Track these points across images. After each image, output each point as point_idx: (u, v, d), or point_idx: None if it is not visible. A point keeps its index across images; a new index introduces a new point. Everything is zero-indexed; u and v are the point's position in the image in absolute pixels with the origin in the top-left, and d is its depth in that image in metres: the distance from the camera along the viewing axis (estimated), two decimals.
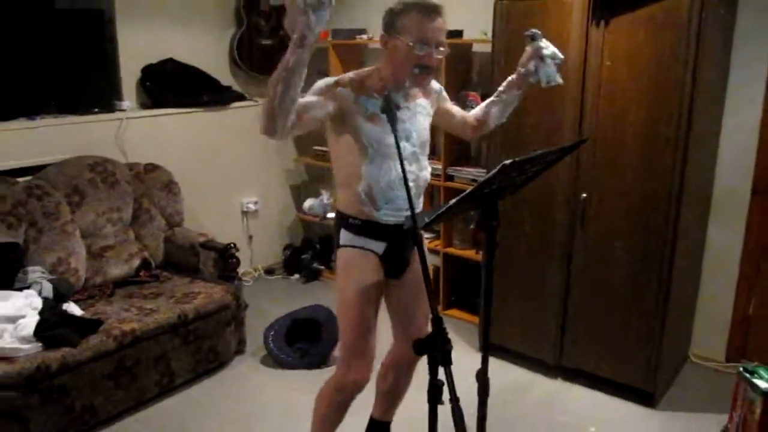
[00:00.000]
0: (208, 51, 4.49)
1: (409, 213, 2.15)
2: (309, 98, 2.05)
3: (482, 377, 2.10)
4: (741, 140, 3.33)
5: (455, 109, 2.50)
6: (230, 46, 4.60)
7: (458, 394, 1.53)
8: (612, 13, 2.92)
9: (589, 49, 3.01)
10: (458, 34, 3.91)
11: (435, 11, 2.06)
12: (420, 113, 2.28)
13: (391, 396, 2.63)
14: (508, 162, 1.65)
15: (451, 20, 3.93)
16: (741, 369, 1.82)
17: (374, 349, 2.30)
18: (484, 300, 2.01)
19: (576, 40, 3.03)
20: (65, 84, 3.84)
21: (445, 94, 2.45)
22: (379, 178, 2.17)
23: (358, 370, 2.27)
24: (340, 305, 2.30)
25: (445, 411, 1.64)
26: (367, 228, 2.24)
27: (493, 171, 1.68)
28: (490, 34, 3.55)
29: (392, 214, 2.22)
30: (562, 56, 2.31)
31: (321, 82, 2.12)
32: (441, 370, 1.61)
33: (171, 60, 4.23)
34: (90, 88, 3.94)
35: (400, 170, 2.04)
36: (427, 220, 1.83)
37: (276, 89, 1.81)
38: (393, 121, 1.75)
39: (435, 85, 2.36)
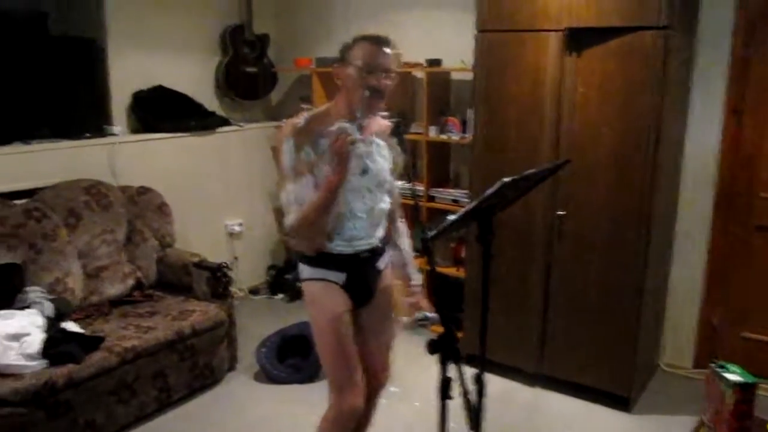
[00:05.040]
0: (195, 78, 4.64)
1: (364, 244, 2.31)
2: (299, 190, 2.17)
3: (479, 379, 2.28)
4: (703, 158, 3.61)
5: (395, 192, 2.47)
6: (216, 73, 4.75)
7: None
8: (584, 44, 3.17)
9: (564, 76, 3.25)
10: (437, 62, 4.14)
11: (383, 42, 2.19)
12: (378, 154, 2.31)
13: (357, 428, 2.57)
14: (507, 179, 1.85)
15: (430, 50, 4.21)
16: (713, 365, 2.02)
17: (360, 373, 2.35)
18: (482, 304, 2.19)
19: (552, 68, 3.27)
20: (58, 109, 3.94)
21: (400, 166, 2.41)
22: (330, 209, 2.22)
23: (350, 399, 2.31)
24: (318, 340, 2.36)
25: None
26: (323, 259, 2.30)
27: (493, 188, 1.87)
28: (468, 63, 3.79)
29: (345, 245, 2.29)
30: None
31: (287, 159, 2.18)
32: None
33: (160, 86, 4.37)
34: (82, 113, 4.04)
35: (350, 202, 2.24)
36: (431, 234, 2.00)
37: (310, 228, 2.19)
38: (402, 144, 1.93)
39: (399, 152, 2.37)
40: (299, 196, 2.19)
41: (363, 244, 2.33)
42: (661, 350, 3.91)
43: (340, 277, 2.31)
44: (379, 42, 2.18)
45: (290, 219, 2.20)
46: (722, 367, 2.03)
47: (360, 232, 2.30)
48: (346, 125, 2.16)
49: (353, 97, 2.19)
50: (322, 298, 2.32)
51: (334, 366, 2.33)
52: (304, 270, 2.35)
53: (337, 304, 2.31)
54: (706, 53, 3.51)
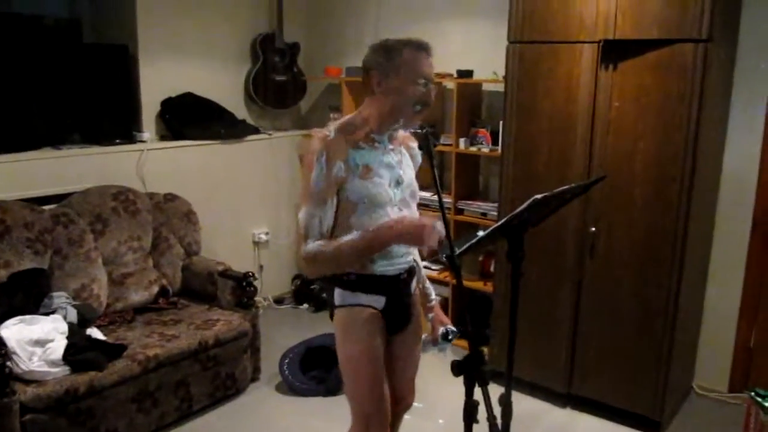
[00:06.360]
0: (225, 85, 4.65)
1: (403, 263, 2.17)
2: (321, 214, 2.02)
3: (506, 400, 2.21)
4: (741, 176, 3.49)
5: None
6: (246, 81, 4.75)
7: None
8: (620, 57, 3.09)
9: (598, 90, 3.17)
10: (469, 74, 4.08)
11: (429, 49, 2.05)
12: (406, 164, 2.21)
13: None
14: (539, 196, 1.78)
15: (461, 62, 4.14)
16: (752, 393, 1.92)
17: (388, 404, 2.21)
18: (510, 325, 2.12)
19: (586, 81, 3.19)
20: (89, 115, 3.96)
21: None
22: (369, 227, 2.03)
23: (377, 430, 2.17)
24: (348, 370, 2.17)
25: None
26: (364, 283, 2.12)
27: (525, 205, 1.80)
28: (500, 74, 3.72)
29: (388, 264, 2.12)
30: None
31: (316, 177, 2.00)
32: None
33: (189, 94, 4.37)
34: (112, 119, 4.06)
35: (391, 216, 2.06)
36: (458, 251, 1.93)
37: (342, 264, 2.03)
38: (431, 156, 1.86)
39: (417, 152, 2.25)
40: (321, 221, 2.02)
41: (402, 263, 2.17)
42: (695, 373, 3.78)
43: (380, 301, 2.14)
44: (425, 48, 2.03)
45: (311, 247, 1.99)
46: (763, 396, 1.93)
47: (400, 248, 2.14)
48: (440, 223, 1.92)
49: (398, 110, 2.02)
50: (359, 328, 2.13)
51: (364, 396, 2.15)
52: (341, 295, 2.14)
53: (373, 333, 2.14)
54: (747, 66, 3.40)
